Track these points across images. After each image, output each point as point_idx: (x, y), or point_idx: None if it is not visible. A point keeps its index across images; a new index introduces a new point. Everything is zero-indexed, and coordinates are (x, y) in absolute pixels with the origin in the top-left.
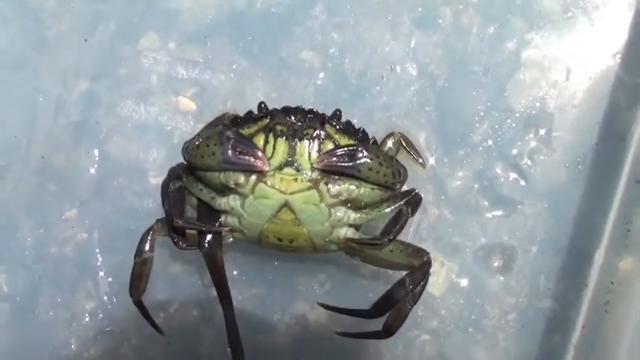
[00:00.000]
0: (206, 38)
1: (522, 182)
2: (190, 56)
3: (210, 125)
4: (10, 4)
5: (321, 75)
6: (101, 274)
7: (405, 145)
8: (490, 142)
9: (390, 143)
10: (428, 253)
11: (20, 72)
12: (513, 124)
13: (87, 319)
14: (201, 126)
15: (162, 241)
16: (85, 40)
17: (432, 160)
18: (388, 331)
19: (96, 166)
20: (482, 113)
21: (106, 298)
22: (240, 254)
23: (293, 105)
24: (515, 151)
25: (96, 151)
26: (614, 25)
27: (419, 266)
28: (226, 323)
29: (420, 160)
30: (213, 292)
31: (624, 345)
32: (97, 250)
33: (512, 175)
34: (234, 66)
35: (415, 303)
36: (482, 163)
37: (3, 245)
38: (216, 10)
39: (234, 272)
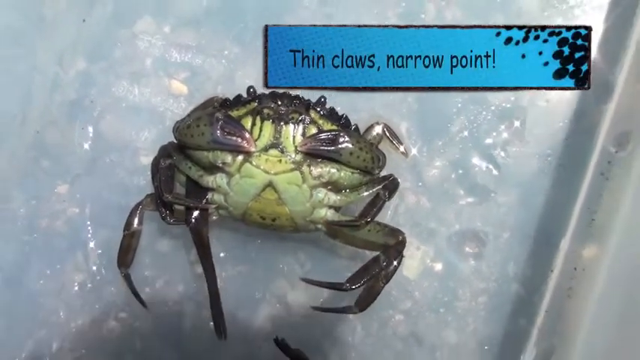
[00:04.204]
0: (200, 24)
1: (495, 172)
2: (184, 41)
3: (200, 107)
4: None
5: None
6: (91, 246)
7: (388, 134)
8: (466, 133)
9: (374, 132)
10: (403, 233)
11: (18, 49)
12: (489, 117)
13: (76, 289)
14: (192, 108)
15: (151, 217)
16: (84, 20)
17: (412, 150)
18: (360, 307)
19: (89, 142)
20: (459, 105)
21: (95, 269)
22: (226, 232)
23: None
24: (489, 142)
25: (90, 129)
26: (590, 24)
27: (394, 245)
28: (210, 297)
29: (402, 149)
30: (199, 270)
31: (585, 329)
32: (88, 224)
33: (486, 165)
34: (225, 52)
35: (387, 281)
36: (459, 153)
37: None
38: None
39: (219, 249)
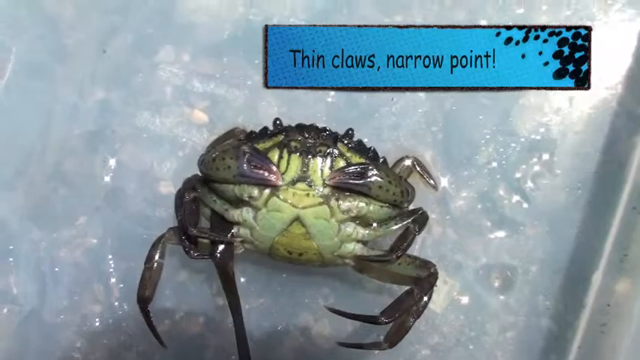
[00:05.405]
0: (221, 53)
1: (524, 204)
2: (205, 70)
3: (221, 138)
4: (29, 13)
5: (332, 92)
6: (112, 279)
7: (418, 168)
8: (494, 165)
9: (403, 165)
10: (434, 265)
11: (39, 79)
12: (518, 148)
13: (96, 323)
14: (213, 138)
15: (171, 250)
16: (104, 51)
17: (442, 183)
18: (391, 342)
19: (110, 173)
20: (487, 136)
21: (116, 303)
22: (250, 265)
23: (306, 121)
24: (518, 174)
25: (111, 159)
26: (618, 56)
27: (425, 277)
28: (235, 330)
29: (432, 182)
30: (220, 301)
31: None
32: (110, 257)
33: (515, 198)
34: (248, 82)
35: (418, 317)
36: (487, 185)
37: (15, 248)
38: (232, 26)
39: (243, 282)
